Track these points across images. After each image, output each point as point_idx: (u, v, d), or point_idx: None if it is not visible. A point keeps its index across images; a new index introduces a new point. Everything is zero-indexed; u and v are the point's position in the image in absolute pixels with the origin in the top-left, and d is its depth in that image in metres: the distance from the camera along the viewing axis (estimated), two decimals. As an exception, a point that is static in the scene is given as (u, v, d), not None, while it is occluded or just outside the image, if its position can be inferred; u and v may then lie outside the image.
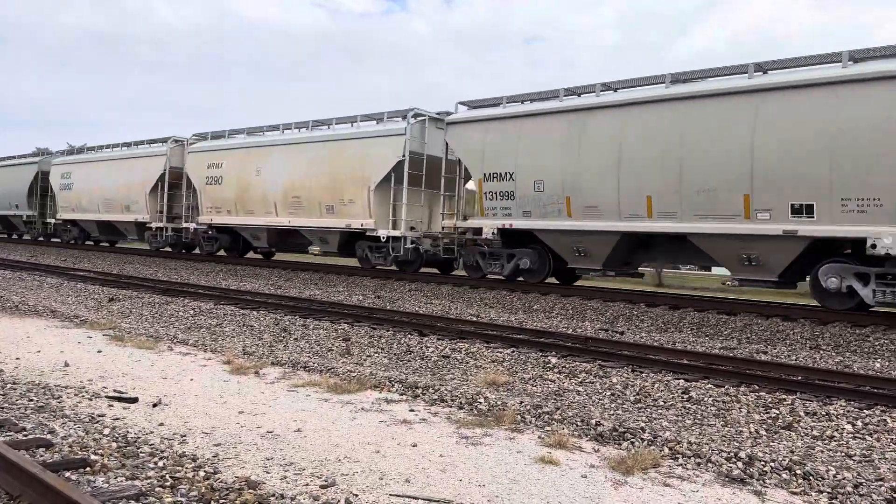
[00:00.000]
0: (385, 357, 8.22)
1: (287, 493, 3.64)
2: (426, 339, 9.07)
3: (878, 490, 4.08)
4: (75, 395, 5.60)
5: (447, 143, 15.92)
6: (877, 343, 9.40)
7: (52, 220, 29.51)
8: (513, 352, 8.28)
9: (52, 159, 29.65)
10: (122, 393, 5.72)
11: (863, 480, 4.21)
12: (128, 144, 25.81)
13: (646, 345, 9.08)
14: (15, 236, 35.49)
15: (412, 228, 16.54)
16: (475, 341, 8.88)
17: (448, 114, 16.44)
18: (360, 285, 15.95)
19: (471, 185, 16.02)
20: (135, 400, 5.52)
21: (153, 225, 23.70)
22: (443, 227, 16.13)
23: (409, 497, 3.71)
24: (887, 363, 8.46)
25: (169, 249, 24.52)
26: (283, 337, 9.33)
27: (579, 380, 7.10)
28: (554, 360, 7.80)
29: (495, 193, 14.55)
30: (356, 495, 3.68)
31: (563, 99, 13.87)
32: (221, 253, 22.60)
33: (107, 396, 5.59)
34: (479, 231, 15.03)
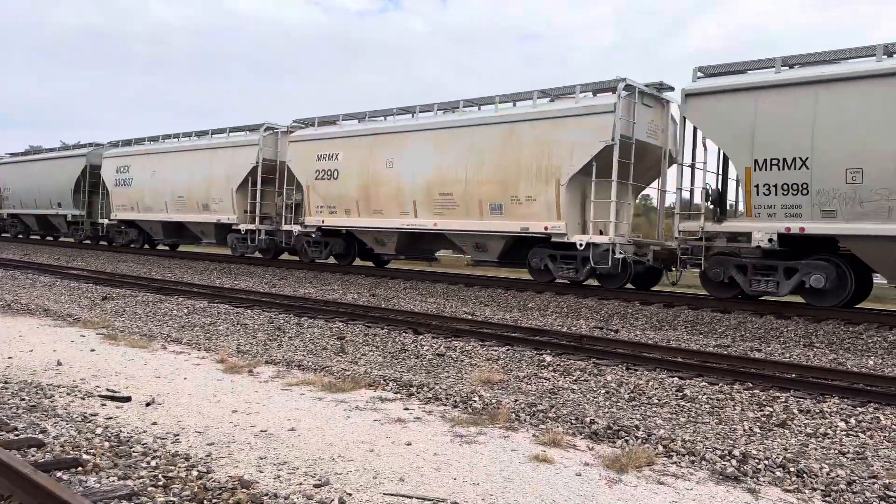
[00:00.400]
0: (380, 355, 8.21)
1: (280, 493, 3.62)
2: (421, 337, 9.06)
3: (871, 488, 4.09)
4: (68, 394, 5.57)
5: (684, 120, 12.46)
6: (870, 341, 9.43)
7: (105, 221, 25.51)
8: (508, 350, 8.28)
9: (104, 151, 25.84)
10: (115, 392, 5.69)
11: (856, 478, 4.22)
12: (203, 133, 22.20)
13: (640, 343, 9.09)
14: (50, 238, 31.77)
15: (601, 232, 13.19)
16: (470, 339, 8.88)
17: (661, 87, 13.50)
18: (355, 284, 15.93)
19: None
20: (128, 399, 5.49)
21: (242, 227, 20.02)
22: (679, 232, 12.32)
23: (403, 496, 3.70)
24: (880, 360, 8.49)
25: (258, 255, 20.96)
26: (278, 335, 9.30)
27: (574, 378, 7.11)
28: (549, 359, 7.80)
29: (775, 186, 11.09)
30: (350, 494, 3.67)
31: (882, 59, 10.41)
32: (330, 260, 19.15)
33: (99, 395, 5.57)
34: (734, 237, 11.79)
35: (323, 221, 18.04)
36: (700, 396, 6.38)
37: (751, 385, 6.72)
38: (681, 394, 6.46)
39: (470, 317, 11.25)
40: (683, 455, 4.60)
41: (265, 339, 9.03)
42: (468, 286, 14.84)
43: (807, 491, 4.08)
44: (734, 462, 4.45)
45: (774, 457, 4.52)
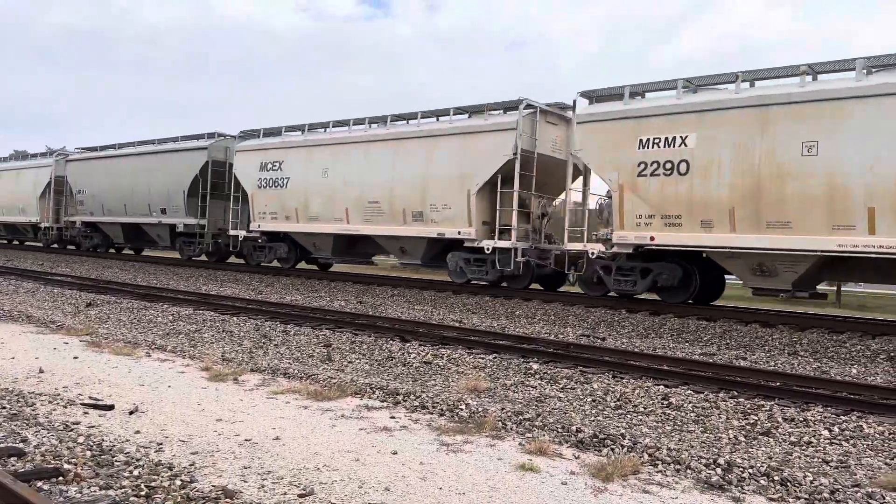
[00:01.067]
0: (366, 363, 8.18)
1: (265, 502, 3.60)
2: (408, 344, 9.04)
3: (854, 496, 4.11)
4: (50, 402, 5.51)
5: None
6: (853, 349, 9.52)
7: (240, 233, 19.49)
8: (495, 358, 8.28)
9: (236, 143, 20.01)
10: (98, 400, 5.63)
11: (839, 486, 4.24)
12: (403, 117, 16.35)
13: (627, 351, 9.12)
14: (130, 252, 26.24)
15: None
16: (457, 347, 8.87)
17: None
18: (343, 290, 15.88)
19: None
20: (111, 407, 5.44)
21: (485, 245, 14.16)
22: None
23: (388, 505, 3.68)
24: (863, 369, 8.57)
25: (504, 285, 15.13)
26: (264, 343, 9.25)
27: (560, 386, 7.11)
28: (535, 366, 7.80)
29: None
30: (335, 504, 3.65)
31: None
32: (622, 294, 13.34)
33: (82, 404, 5.51)
34: None
35: (652, 238, 12.11)
36: (685, 405, 6.40)
37: (736, 393, 6.75)
38: (666, 402, 6.48)
39: (457, 324, 11.24)
40: (669, 464, 4.61)
41: (251, 347, 8.98)
42: (456, 294, 14.83)
43: (791, 499, 4.10)
44: (719, 471, 4.47)
45: (759, 465, 4.54)
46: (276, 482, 3.94)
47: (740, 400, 6.52)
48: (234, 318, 11.03)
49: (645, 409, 6.34)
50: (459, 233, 14.68)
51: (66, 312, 11.68)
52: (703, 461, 4.61)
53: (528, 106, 14.10)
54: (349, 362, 8.19)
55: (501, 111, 14.64)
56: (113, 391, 6.05)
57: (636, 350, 9.30)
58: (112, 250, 26.42)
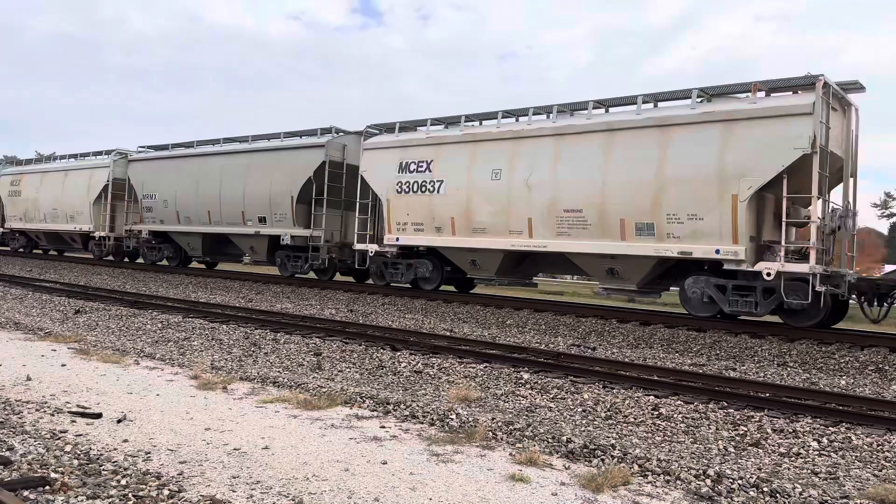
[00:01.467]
0: (357, 372, 8.15)
1: (253, 513, 3.57)
2: (399, 353, 9.02)
3: (842, 507, 4.13)
4: (37, 410, 5.46)
5: None
6: (842, 360, 9.56)
7: (373, 248, 15.92)
8: (485, 367, 8.27)
9: (363, 140, 16.43)
10: (86, 408, 5.59)
11: (828, 498, 4.26)
12: (604, 104, 12.92)
13: (617, 361, 9.13)
14: (200, 266, 22.47)
15: None
16: (448, 356, 8.86)
17: None
18: (333, 299, 15.83)
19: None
20: (99, 416, 5.40)
21: (766, 269, 10.68)
22: None
23: (377, 516, 3.66)
24: (852, 380, 8.61)
25: (779, 321, 11.84)
26: (253, 351, 9.21)
27: (551, 396, 7.11)
28: (526, 376, 7.80)
29: None
30: (324, 514, 3.63)
31: None
32: None
33: (70, 412, 5.46)
34: None
35: None
36: (675, 415, 6.41)
37: (725, 404, 6.77)
38: (657, 413, 6.49)
39: (448, 333, 11.23)
40: (658, 475, 4.62)
41: (240, 355, 8.93)
42: (447, 302, 14.81)
43: (780, 511, 4.11)
44: (708, 482, 4.48)
45: (748, 476, 4.55)
46: (265, 492, 3.92)
47: (730, 411, 6.54)
48: (224, 326, 10.98)
49: (635, 419, 6.34)
50: (718, 252, 11.17)
51: (55, 319, 11.59)
52: (693, 472, 4.61)
53: (825, 85, 10.63)
54: (339, 371, 8.16)
55: (764, 92, 11.33)
56: (101, 399, 6.00)
57: (627, 360, 9.31)
58: (179, 264, 22.51)
